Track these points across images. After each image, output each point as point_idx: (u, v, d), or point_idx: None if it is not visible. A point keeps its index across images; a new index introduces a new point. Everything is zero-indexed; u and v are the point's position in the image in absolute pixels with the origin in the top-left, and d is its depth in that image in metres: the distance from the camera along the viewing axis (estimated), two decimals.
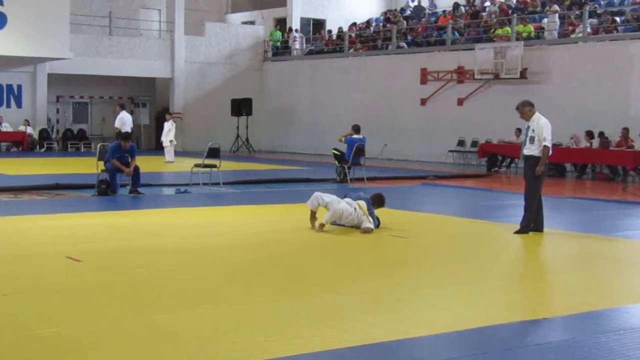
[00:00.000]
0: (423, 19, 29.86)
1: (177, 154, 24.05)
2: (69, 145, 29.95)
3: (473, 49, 24.57)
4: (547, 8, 24.96)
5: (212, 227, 10.68)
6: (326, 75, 30.02)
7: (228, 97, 30.43)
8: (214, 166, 15.95)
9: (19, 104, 28.91)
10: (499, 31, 25.21)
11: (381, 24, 31.36)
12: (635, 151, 19.35)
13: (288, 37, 32.73)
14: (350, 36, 30.77)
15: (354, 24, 32.57)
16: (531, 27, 24.56)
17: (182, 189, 15.30)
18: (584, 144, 20.70)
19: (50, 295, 6.49)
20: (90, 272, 7.46)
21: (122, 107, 22.47)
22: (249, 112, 29.91)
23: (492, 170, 22.44)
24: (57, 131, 30.26)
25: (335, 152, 18.05)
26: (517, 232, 10.29)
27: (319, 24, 34.40)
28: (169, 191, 15.49)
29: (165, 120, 23.74)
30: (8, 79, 28.61)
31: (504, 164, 23.00)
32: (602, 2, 24.94)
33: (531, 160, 10.32)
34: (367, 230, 10.04)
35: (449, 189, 17.27)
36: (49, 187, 15.03)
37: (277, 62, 32.62)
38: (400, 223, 10.72)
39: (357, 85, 28.67)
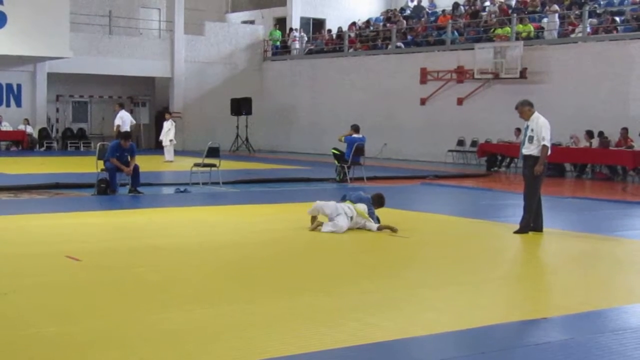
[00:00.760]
0: (423, 19, 29.86)
1: (177, 153, 24.06)
2: (69, 145, 29.95)
3: (473, 49, 24.58)
4: (547, 8, 24.97)
5: (211, 227, 10.67)
6: (326, 75, 30.02)
7: (228, 96, 30.43)
8: (214, 166, 15.95)
9: (18, 103, 28.91)
10: (499, 31, 25.21)
11: (381, 24, 31.35)
12: (634, 151, 19.35)
13: (288, 37, 32.72)
14: (349, 36, 30.77)
15: (354, 23, 32.57)
16: (531, 27, 24.57)
17: (182, 188, 15.30)
18: (583, 143, 20.71)
19: (50, 294, 6.49)
20: (89, 271, 7.47)
21: (121, 106, 22.47)
22: (248, 112, 29.91)
23: (492, 170, 22.45)
24: (57, 130, 30.27)
25: (335, 151, 18.05)
26: (516, 232, 10.29)
27: (318, 24, 34.40)
28: (168, 190, 15.48)
29: (164, 119, 23.74)
30: (8, 78, 28.61)
31: (503, 163, 23.01)
32: (601, 2, 24.94)
33: (530, 160, 10.31)
34: (378, 230, 10.10)
35: (449, 188, 17.27)
36: (49, 187, 15.03)
37: (277, 61, 32.61)
38: (400, 223, 10.72)
39: (357, 85, 28.67)
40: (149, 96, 32.43)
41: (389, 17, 31.80)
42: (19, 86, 28.84)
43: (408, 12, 32.32)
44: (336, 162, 18.03)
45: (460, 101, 25.35)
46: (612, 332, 5.69)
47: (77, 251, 8.25)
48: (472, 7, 28.46)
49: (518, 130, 20.40)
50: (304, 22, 33.77)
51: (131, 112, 27.45)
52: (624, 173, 20.08)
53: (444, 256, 8.89)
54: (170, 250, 8.71)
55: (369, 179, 17.98)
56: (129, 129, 20.01)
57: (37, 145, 28.46)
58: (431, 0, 32.93)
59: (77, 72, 28.74)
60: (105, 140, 18.90)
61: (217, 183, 15.98)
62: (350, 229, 10.17)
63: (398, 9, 33.01)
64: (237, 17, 35.79)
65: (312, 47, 32.29)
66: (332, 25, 33.34)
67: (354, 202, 10.40)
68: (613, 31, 22.61)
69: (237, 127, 30.08)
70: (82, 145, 29.97)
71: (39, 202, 13.20)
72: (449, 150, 25.35)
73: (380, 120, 27.18)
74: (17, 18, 25.93)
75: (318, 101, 30.25)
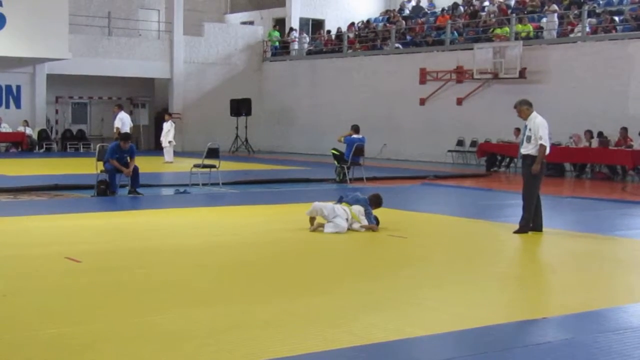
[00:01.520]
0: (422, 19, 29.86)
1: (176, 154, 24.05)
2: (68, 146, 29.92)
3: (472, 49, 24.57)
4: (546, 8, 24.98)
5: (211, 228, 10.67)
6: (325, 75, 30.02)
7: (227, 97, 30.43)
8: (213, 166, 15.95)
9: (18, 105, 28.89)
10: (498, 31, 25.21)
11: (381, 24, 31.34)
12: (634, 151, 19.36)
13: (288, 37, 32.71)
14: (349, 36, 30.78)
15: (353, 23, 32.58)
16: (530, 27, 24.58)
17: (182, 189, 15.30)
18: (583, 143, 20.71)
19: (50, 295, 6.49)
20: (89, 273, 7.46)
21: (120, 108, 22.48)
22: (248, 113, 29.90)
23: (492, 170, 22.45)
24: (56, 132, 30.23)
25: (335, 152, 18.05)
26: (516, 232, 10.29)
27: (317, 24, 34.40)
28: (168, 192, 15.48)
29: (164, 120, 23.74)
30: (7, 79, 28.58)
31: (503, 163, 23.01)
32: (600, 2, 24.96)
33: (528, 160, 10.32)
34: (361, 229, 10.11)
35: (449, 188, 17.27)
36: (49, 188, 15.02)
37: (276, 62, 32.61)
38: (400, 223, 10.72)
39: (356, 85, 28.67)
40: (149, 97, 32.41)
41: (389, 17, 31.79)
42: (18, 87, 28.82)
43: (407, 12, 32.32)
44: (336, 162, 18.02)
45: (459, 101, 25.35)
46: (612, 331, 5.69)
47: (76, 252, 8.25)
48: (471, 7, 28.47)
49: (517, 130, 20.39)
50: (303, 22, 33.76)
51: (130, 113, 27.46)
52: (624, 173, 20.08)
53: (444, 256, 8.89)
54: (170, 251, 8.71)
55: (369, 179, 17.98)
56: (128, 131, 20.00)
57: (37, 147, 28.43)
58: (430, 0, 32.94)
59: (77, 73, 28.73)
60: (104, 142, 18.89)
61: (217, 184, 15.98)
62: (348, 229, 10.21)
63: (397, 9, 33.01)
64: (236, 17, 35.78)
65: (311, 47, 32.30)
66: (332, 25, 33.36)
67: (350, 203, 10.39)
68: (612, 31, 22.62)
69: (237, 127, 30.07)
70: (81, 146, 29.95)
71: (38, 203, 13.20)
72: (449, 151, 25.35)
73: (379, 121, 27.18)
74: (16, 19, 25.93)
75: (317, 102, 30.25)
